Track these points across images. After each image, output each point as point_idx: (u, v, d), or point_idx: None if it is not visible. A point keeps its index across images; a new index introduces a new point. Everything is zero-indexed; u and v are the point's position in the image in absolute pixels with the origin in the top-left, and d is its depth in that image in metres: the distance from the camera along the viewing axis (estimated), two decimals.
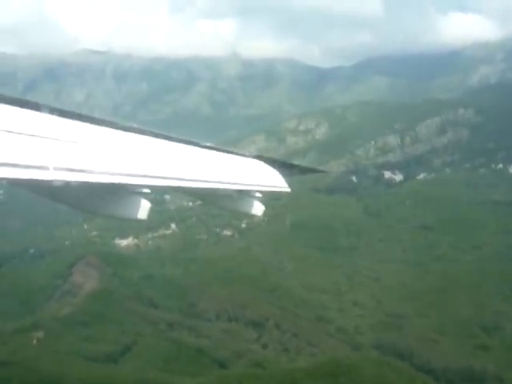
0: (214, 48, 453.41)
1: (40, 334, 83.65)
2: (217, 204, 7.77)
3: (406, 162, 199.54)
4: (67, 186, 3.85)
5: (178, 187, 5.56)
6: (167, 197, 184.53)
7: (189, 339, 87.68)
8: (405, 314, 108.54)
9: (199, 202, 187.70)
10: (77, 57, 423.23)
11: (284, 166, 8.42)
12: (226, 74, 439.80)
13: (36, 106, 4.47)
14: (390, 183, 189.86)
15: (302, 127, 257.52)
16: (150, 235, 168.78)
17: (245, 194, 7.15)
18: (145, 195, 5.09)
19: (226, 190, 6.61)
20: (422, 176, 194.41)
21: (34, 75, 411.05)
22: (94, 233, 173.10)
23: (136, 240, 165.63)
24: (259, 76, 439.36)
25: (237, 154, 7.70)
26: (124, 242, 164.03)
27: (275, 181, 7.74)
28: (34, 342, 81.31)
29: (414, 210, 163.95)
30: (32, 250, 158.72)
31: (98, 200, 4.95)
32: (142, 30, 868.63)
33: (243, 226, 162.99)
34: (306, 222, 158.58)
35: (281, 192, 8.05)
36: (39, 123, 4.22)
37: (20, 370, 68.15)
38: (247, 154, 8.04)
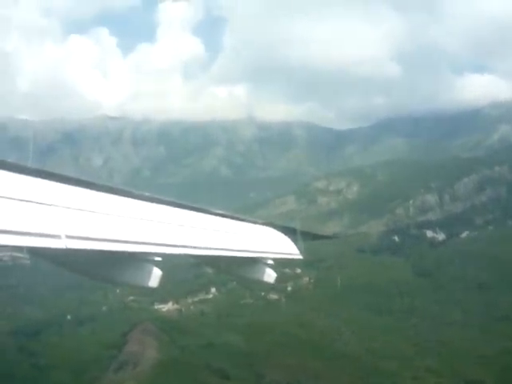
0: (229, 111, 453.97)
1: None
2: (229, 271, 7.87)
3: (447, 221, 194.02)
4: (79, 254, 4.08)
5: (190, 255, 5.72)
6: None
7: None
8: (485, 381, 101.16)
9: None
10: (95, 122, 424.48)
11: (294, 232, 8.28)
12: (243, 137, 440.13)
13: (49, 175, 4.51)
14: (433, 242, 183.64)
15: (331, 187, 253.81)
16: (190, 300, 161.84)
17: (257, 262, 7.18)
18: (157, 263, 5.13)
19: (237, 257, 6.50)
20: (465, 234, 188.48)
21: (53, 140, 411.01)
22: (131, 298, 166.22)
23: (176, 305, 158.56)
24: (276, 138, 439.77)
25: (248, 220, 7.66)
26: (165, 307, 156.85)
27: (287, 247, 7.78)
28: None
29: (465, 269, 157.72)
30: (69, 317, 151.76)
31: (108, 268, 4.94)
32: (157, 95, 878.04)
33: (289, 289, 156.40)
34: (355, 283, 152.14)
35: (293, 259, 8.02)
36: (52, 192, 4.24)
37: None
38: (258, 221, 7.98)
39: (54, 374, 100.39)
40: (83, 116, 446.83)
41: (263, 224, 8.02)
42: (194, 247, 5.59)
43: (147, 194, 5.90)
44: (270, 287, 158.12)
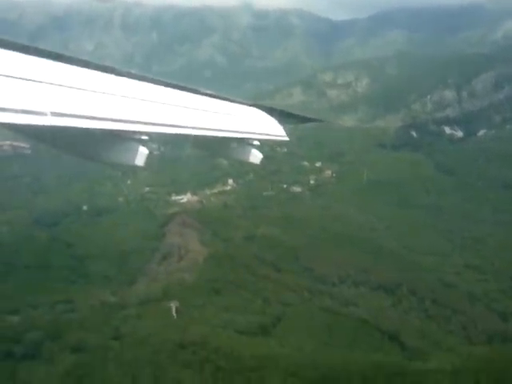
0: None
1: (173, 303, 73.62)
2: (214, 152, 7.96)
3: (465, 118, 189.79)
4: (65, 132, 4.09)
5: (176, 134, 5.57)
6: None
7: (339, 308, 78.30)
8: None
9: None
10: (83, 4, 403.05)
11: (282, 114, 8.35)
12: (238, 24, 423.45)
13: (39, 52, 4.42)
14: (452, 139, 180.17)
15: (339, 80, 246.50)
16: (208, 191, 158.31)
17: (243, 142, 7.29)
18: (143, 142, 5.14)
19: (223, 137, 6.62)
20: (482, 132, 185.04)
21: (41, 23, 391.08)
22: (147, 189, 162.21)
23: (196, 196, 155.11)
24: (272, 27, 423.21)
25: (235, 101, 7.57)
26: (184, 199, 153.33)
27: (273, 129, 7.83)
28: (174, 313, 71.35)
29: (487, 167, 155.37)
30: (85, 207, 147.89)
31: (96, 146, 4.97)
32: None
33: (312, 182, 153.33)
34: (378, 178, 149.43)
35: (278, 140, 7.99)
36: (37, 68, 4.14)
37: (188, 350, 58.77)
38: (244, 101, 7.86)
39: (93, 265, 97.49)
40: None
41: (250, 105, 7.90)
42: (180, 126, 5.52)
43: (134, 71, 5.66)
44: (290, 180, 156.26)
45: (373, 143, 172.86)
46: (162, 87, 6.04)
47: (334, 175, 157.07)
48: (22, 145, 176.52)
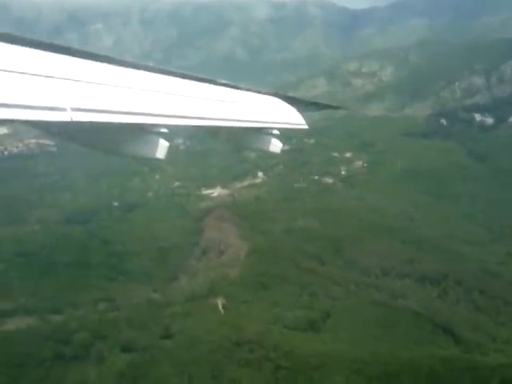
0: None
1: (219, 299, 72.39)
2: (234, 142, 7.85)
3: (495, 104, 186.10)
4: (85, 127, 4.16)
5: (196, 126, 5.61)
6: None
7: (388, 300, 76.56)
8: None
9: (284, 148, 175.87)
10: (101, 1, 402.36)
11: (300, 102, 8.30)
12: (257, 17, 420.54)
13: (56, 48, 4.40)
14: (483, 126, 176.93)
15: (364, 69, 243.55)
16: (238, 184, 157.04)
17: (262, 132, 7.20)
18: (164, 135, 5.14)
19: (242, 127, 6.58)
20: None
21: (58, 21, 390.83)
22: (176, 183, 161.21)
23: (226, 190, 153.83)
24: (291, 18, 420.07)
25: (253, 90, 7.57)
26: (214, 193, 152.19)
27: (293, 118, 7.78)
28: (221, 309, 70.08)
29: None
30: (116, 204, 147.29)
31: (117, 140, 4.98)
32: None
33: (343, 173, 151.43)
34: (410, 168, 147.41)
35: (298, 129, 7.93)
36: (57, 64, 4.14)
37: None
38: (264, 91, 7.85)
39: (132, 262, 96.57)
40: None
41: (269, 94, 7.87)
42: (200, 118, 5.52)
43: (152, 64, 5.65)
44: (321, 171, 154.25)
45: (402, 132, 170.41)
46: (180, 79, 6.03)
47: (365, 165, 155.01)
48: (48, 142, 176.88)
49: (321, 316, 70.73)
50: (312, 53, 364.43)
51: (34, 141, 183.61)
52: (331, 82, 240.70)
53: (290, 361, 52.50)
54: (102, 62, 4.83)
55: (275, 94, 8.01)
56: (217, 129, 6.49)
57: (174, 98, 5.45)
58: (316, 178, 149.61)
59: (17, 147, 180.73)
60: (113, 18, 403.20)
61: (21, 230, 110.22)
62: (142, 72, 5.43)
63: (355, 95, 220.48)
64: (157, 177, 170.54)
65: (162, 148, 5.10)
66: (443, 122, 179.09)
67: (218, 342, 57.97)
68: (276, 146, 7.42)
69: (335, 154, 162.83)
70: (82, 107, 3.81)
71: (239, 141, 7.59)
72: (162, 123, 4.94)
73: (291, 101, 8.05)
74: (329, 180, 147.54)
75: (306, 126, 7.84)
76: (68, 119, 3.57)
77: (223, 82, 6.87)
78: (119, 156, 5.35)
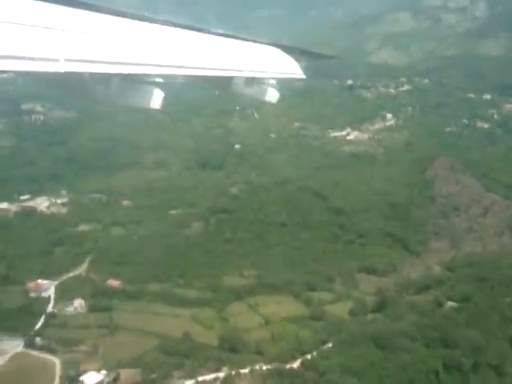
0: None
1: None
2: (231, 91, 7.43)
3: None
4: (79, 78, 4.17)
5: (193, 76, 5.50)
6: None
7: None
8: None
9: (405, 88, 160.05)
10: None
11: (298, 51, 8.14)
12: None
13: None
14: None
15: (451, 4, 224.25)
16: (369, 127, 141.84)
17: (260, 81, 7.18)
18: (160, 85, 5.13)
19: (240, 77, 6.52)
20: None
21: None
22: (296, 124, 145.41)
23: (358, 132, 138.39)
24: None
25: (254, 41, 7.41)
26: (350, 135, 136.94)
27: (290, 68, 7.64)
28: None
29: None
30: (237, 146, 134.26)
31: (110, 91, 4.88)
32: None
33: (495, 117, 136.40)
34: None
35: (294, 78, 7.77)
36: (49, 15, 4.05)
37: None
38: (264, 41, 7.71)
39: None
40: None
41: (268, 44, 7.68)
42: (198, 68, 5.40)
43: (147, 14, 5.41)
44: (472, 114, 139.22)
45: None
46: (179, 29, 5.79)
47: None
48: None
49: None
50: None
51: None
52: (417, 17, 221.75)
53: None
54: (95, 11, 4.55)
55: (274, 44, 7.75)
56: (214, 79, 6.18)
57: (169, 48, 5.24)
58: (465, 121, 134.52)
59: None
60: None
61: None
62: (137, 22, 5.12)
63: (453, 32, 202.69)
64: (256, 116, 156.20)
65: (157, 98, 5.03)
66: None
67: None
68: (272, 95, 7.46)
69: (471, 96, 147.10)
70: (76, 58, 3.72)
71: (236, 90, 7.01)
72: (156, 73, 4.80)
73: (289, 50, 7.82)
74: (483, 124, 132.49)
75: (304, 76, 7.64)
76: (61, 70, 3.49)
77: (220, 31, 6.61)
78: (114, 107, 4.62)
